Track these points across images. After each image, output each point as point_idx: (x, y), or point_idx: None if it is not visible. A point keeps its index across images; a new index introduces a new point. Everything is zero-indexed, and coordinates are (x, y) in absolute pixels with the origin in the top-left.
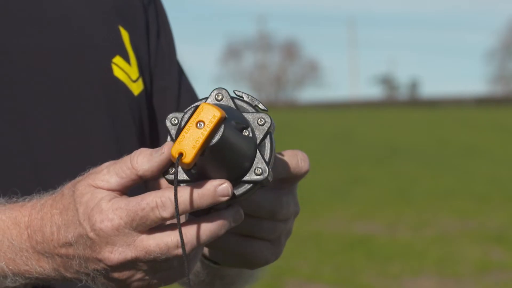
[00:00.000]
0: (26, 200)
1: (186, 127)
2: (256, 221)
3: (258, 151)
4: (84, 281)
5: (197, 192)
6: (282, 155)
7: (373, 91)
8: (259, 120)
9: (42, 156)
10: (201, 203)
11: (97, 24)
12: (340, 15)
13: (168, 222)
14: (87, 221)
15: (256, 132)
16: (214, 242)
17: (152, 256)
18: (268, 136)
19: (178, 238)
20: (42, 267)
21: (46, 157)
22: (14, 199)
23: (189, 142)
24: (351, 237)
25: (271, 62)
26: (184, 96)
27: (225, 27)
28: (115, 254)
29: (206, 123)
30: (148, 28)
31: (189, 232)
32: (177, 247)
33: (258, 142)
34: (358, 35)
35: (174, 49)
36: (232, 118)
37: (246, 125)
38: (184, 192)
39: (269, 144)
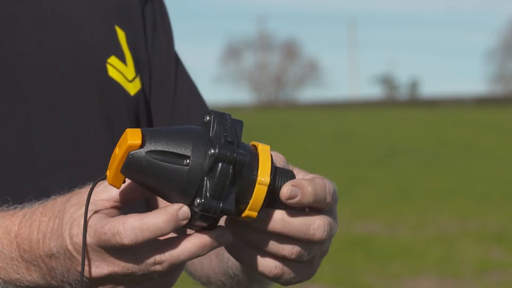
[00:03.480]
0: (18, 208)
1: (115, 149)
2: (289, 243)
3: (205, 182)
4: None
5: (161, 218)
6: (309, 178)
7: (373, 91)
8: (209, 150)
9: (38, 157)
10: (166, 228)
11: (95, 24)
12: (340, 15)
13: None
14: (68, 231)
15: (206, 162)
16: (243, 263)
17: (130, 271)
18: (219, 167)
19: (155, 256)
20: (32, 275)
21: (42, 158)
22: (5, 207)
23: (111, 164)
24: (351, 237)
25: (271, 62)
26: (182, 93)
27: (225, 27)
28: (92, 268)
29: (120, 148)
30: (145, 26)
31: (168, 250)
32: (154, 263)
33: (205, 173)
34: (358, 35)
35: (172, 44)
36: (163, 145)
37: (186, 154)
38: (148, 218)
39: (217, 176)
